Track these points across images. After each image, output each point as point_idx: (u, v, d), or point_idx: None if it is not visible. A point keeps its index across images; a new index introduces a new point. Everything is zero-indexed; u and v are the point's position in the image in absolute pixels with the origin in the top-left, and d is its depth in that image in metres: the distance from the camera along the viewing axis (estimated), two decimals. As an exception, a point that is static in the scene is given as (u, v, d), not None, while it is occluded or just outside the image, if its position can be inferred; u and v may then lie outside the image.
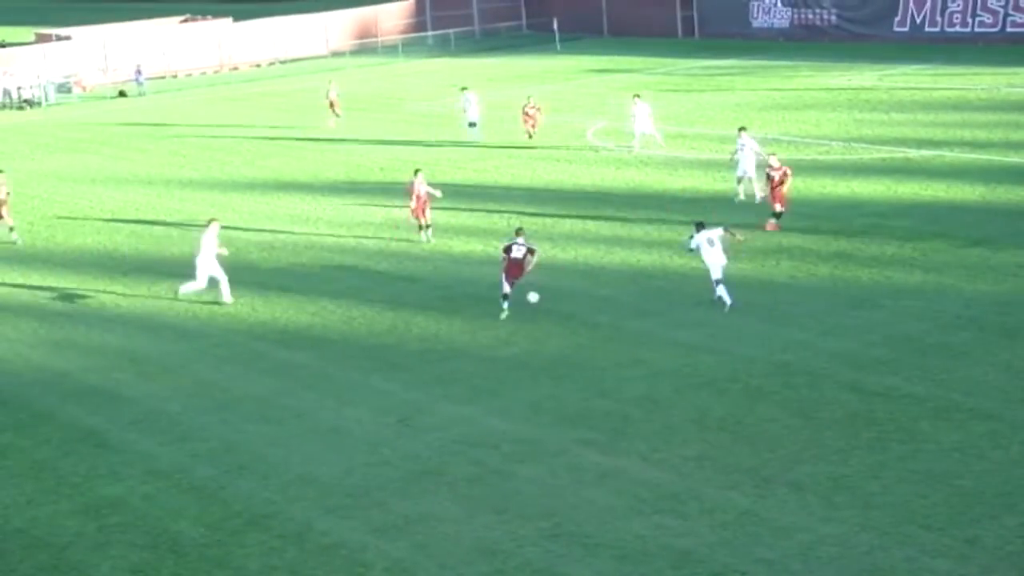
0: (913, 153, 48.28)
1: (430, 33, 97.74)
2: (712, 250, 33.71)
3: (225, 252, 37.12)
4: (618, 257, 38.68)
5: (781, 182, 39.71)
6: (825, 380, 28.26)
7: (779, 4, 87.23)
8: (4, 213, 45.16)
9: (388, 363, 31.42)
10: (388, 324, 34.29)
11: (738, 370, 29.20)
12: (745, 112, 60.17)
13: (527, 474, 25.05)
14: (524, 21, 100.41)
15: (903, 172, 45.77)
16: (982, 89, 60.76)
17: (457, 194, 46.44)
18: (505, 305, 33.94)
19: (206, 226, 37.35)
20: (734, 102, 63.53)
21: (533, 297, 34.11)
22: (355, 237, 43.15)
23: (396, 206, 45.35)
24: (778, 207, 39.95)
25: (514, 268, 34.21)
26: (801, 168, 47.04)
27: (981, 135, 49.32)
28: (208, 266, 36.67)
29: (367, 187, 50.24)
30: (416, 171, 42.05)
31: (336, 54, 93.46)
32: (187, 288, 36.83)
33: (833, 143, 51.33)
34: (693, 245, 34.35)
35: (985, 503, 22.50)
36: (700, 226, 34.33)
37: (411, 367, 31.12)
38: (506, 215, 43.93)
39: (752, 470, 24.35)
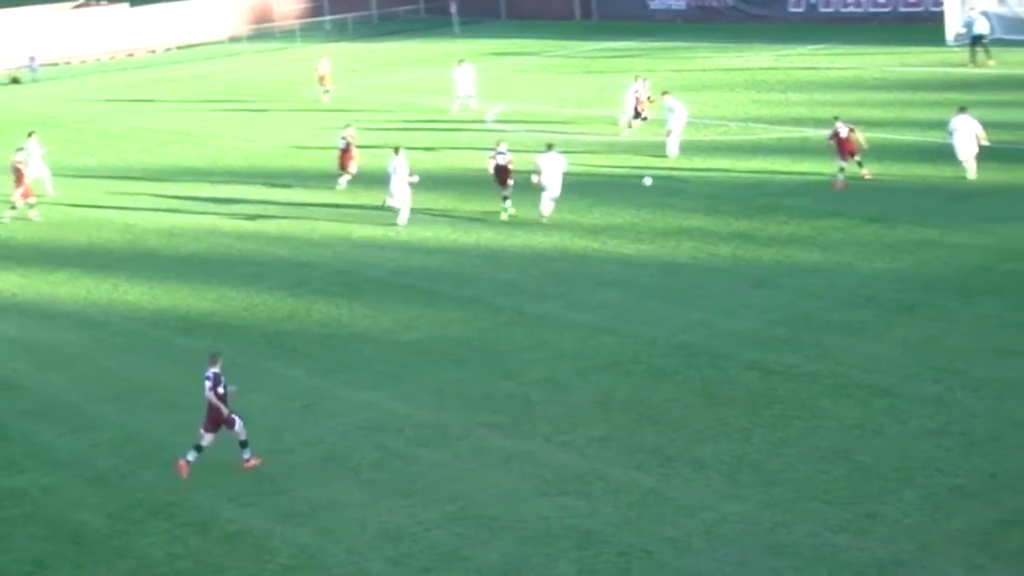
0: (810, 132, 48.70)
1: (328, 17, 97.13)
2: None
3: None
4: (519, 240, 38.75)
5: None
6: (727, 360, 28.50)
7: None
8: None
9: (290, 349, 31.32)
10: (289, 310, 34.16)
11: (640, 351, 29.37)
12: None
13: (432, 458, 25.08)
14: (422, 5, 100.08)
15: (801, 152, 46.18)
16: (876, 68, 61.39)
17: (356, 179, 46.26)
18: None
19: None
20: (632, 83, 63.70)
21: (647, 181, 40.55)
22: (255, 223, 42.90)
23: (295, 192, 45.21)
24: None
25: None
26: (700, 149, 47.37)
27: (876, 114, 49.84)
28: None
29: (267, 173, 49.94)
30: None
31: (234, 39, 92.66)
32: None
33: (731, 123, 51.68)
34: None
35: (885, 477, 22.81)
36: None
37: (313, 353, 31.03)
38: (407, 199, 43.82)
39: (656, 450, 24.52)
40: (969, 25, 60.47)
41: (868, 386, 26.53)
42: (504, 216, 40.71)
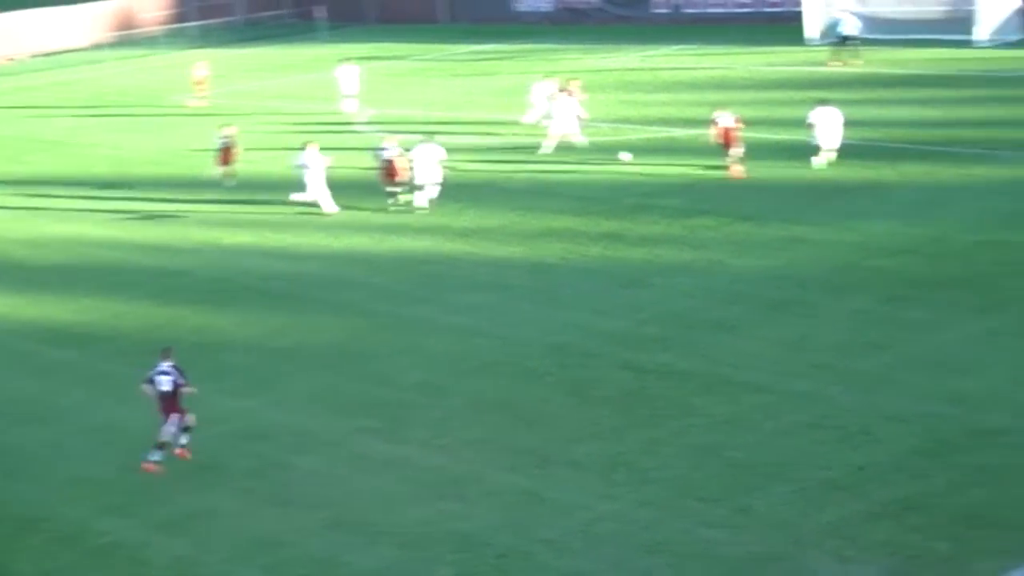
0: (679, 132, 49.17)
1: (192, 23, 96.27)
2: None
3: None
4: (391, 245, 38.71)
5: None
6: (599, 359, 28.68)
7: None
8: None
9: (161, 359, 30.98)
10: (159, 319, 33.83)
11: (514, 353, 29.47)
12: (513, 96, 60.53)
13: (307, 465, 24.99)
14: (288, 10, 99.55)
15: (669, 151, 46.58)
16: (743, 68, 62.10)
17: (226, 186, 45.95)
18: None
19: None
20: (501, 86, 63.89)
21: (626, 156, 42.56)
22: (123, 232, 42.44)
23: (163, 199, 44.86)
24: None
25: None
26: (570, 150, 47.57)
27: (745, 113, 50.07)
28: None
29: (134, 181, 49.39)
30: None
31: (96, 47, 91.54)
32: None
33: (600, 124, 51.94)
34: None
35: (757, 473, 23.10)
36: None
37: (185, 361, 30.68)
38: (276, 205, 43.60)
39: (531, 451, 24.63)
40: (835, 25, 61.36)
41: (740, 383, 26.84)
42: (399, 203, 41.76)
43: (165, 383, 25.19)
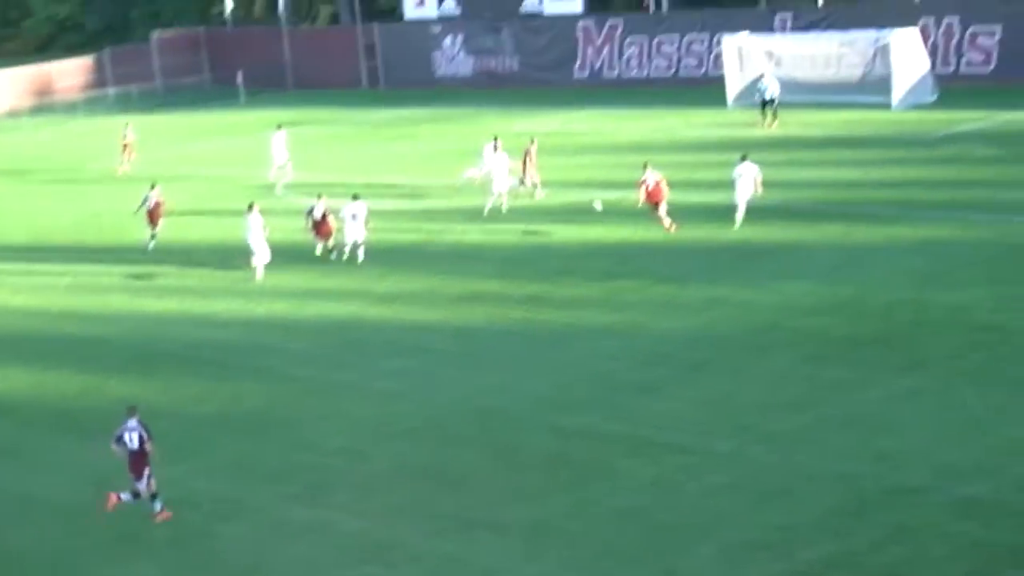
0: (602, 196, 49.43)
1: (111, 89, 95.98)
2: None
3: None
4: (312, 310, 38.65)
5: None
6: (523, 423, 28.72)
7: (462, 53, 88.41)
8: None
9: (82, 427, 30.74)
10: (80, 387, 33.58)
11: (438, 417, 29.47)
12: (434, 160, 60.79)
13: (230, 533, 24.85)
14: (208, 75, 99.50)
15: (591, 215, 46.75)
16: (662, 132, 62.59)
17: (151, 252, 45.79)
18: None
19: None
20: (422, 150, 64.13)
21: (598, 205, 43.92)
22: (42, 300, 42.14)
23: (83, 266, 44.60)
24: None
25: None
26: (494, 215, 47.73)
27: (664, 176, 50.57)
28: None
29: (54, 248, 49.09)
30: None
31: (13, 114, 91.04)
32: None
33: (521, 188, 52.13)
34: None
35: (681, 534, 23.19)
36: None
37: (108, 430, 30.44)
38: (197, 270, 43.49)
39: (455, 515, 24.60)
40: (762, 90, 61.91)
41: (663, 444, 26.95)
42: (328, 253, 43.09)
43: (134, 440, 25.44)
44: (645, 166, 43.69)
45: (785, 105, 61.79)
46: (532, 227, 45.78)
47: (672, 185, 45.68)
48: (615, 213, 46.51)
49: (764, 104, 61.48)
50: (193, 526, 25.16)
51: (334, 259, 42.80)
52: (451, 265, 41.90)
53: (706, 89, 71.67)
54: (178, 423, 30.40)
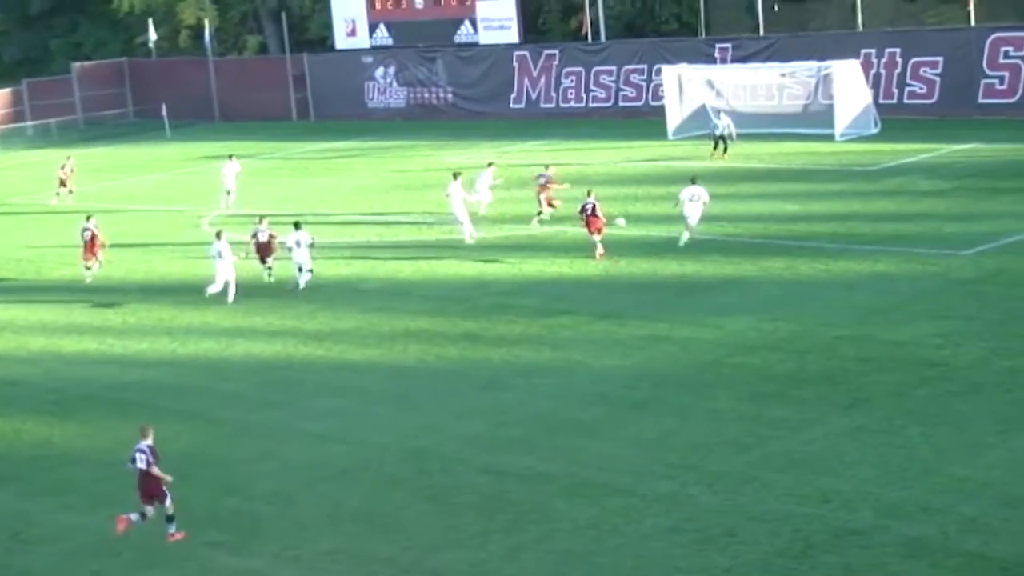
0: (536, 230, 49.54)
1: (30, 123, 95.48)
2: None
3: None
4: (240, 349, 38.47)
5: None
6: (459, 464, 28.64)
7: (395, 84, 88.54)
8: None
9: (-4, 474, 30.44)
10: (-4, 431, 33.25)
11: (370, 459, 29.34)
12: (366, 194, 60.78)
13: (154, 581, 24.61)
14: (131, 108, 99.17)
15: (528, 249, 46.88)
16: (600, 164, 62.81)
17: (68, 290, 45.48)
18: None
19: None
20: (353, 184, 64.09)
21: (621, 222, 44.12)
22: (-43, 341, 41.76)
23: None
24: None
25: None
26: (426, 249, 47.77)
27: (602, 209, 50.68)
28: None
29: (-32, 287, 48.68)
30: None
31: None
32: None
33: (456, 223, 52.14)
34: None
35: (622, 578, 23.15)
36: None
37: (23, 476, 30.22)
38: (120, 309, 43.22)
39: (389, 560, 24.47)
40: (718, 127, 62.04)
41: (602, 485, 26.93)
42: (267, 278, 44.59)
43: (141, 461, 25.79)
44: (589, 193, 44.50)
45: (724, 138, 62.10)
46: (467, 262, 45.78)
47: (609, 218, 45.80)
48: (551, 247, 46.61)
49: (719, 139, 61.45)
50: (114, 575, 24.90)
51: (280, 286, 42.30)
52: (384, 301, 41.83)
53: (647, 120, 72.06)
54: (99, 469, 30.09)
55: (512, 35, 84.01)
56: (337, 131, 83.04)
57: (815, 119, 64.38)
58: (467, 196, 50.00)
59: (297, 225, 44.39)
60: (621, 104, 78.76)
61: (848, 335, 34.72)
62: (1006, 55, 66.55)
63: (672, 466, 27.55)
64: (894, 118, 65.19)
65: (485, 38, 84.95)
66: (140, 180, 70.63)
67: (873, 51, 69.42)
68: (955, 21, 72.38)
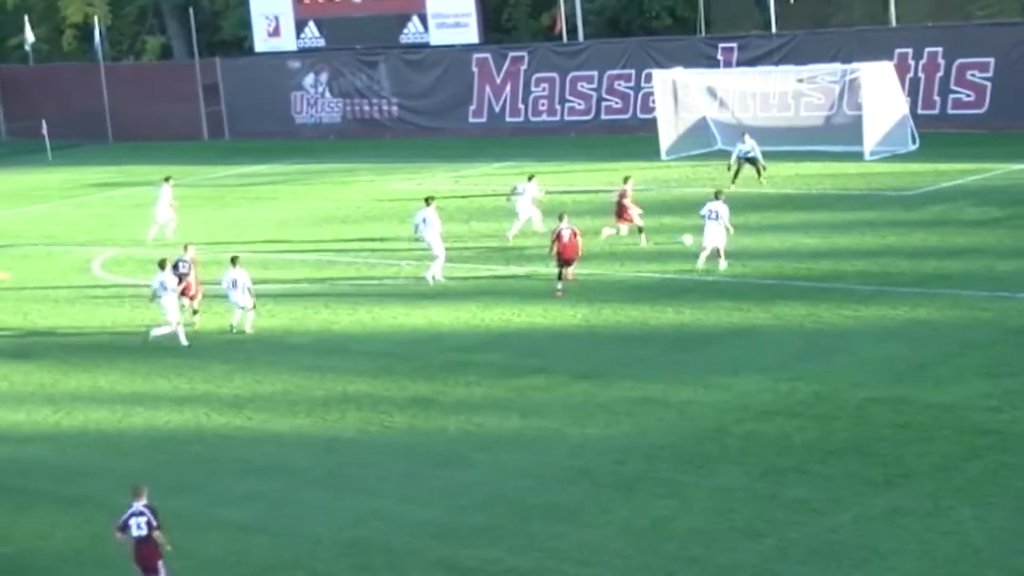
0: (502, 271, 49.59)
1: None
2: None
3: None
4: (140, 419, 38.37)
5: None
6: (409, 558, 28.58)
7: (328, 95, 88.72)
8: None
9: None
10: None
11: (300, 553, 29.27)
12: (294, 228, 60.80)
13: None
14: (2, 125, 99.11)
15: (491, 295, 46.91)
16: (578, 190, 62.89)
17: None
18: None
19: None
20: (279, 217, 64.13)
21: (688, 240, 47.71)
22: None
23: None
24: None
25: None
26: (366, 295, 47.77)
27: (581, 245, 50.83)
28: None
29: None
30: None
31: None
32: None
33: (404, 263, 52.24)
34: None
35: None
36: None
37: None
38: (-8, 372, 43.19)
39: None
40: (743, 151, 61.94)
41: (586, 583, 26.95)
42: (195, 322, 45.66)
43: (141, 527, 26.27)
44: (561, 217, 45.16)
45: (726, 155, 62.31)
46: (416, 310, 45.80)
47: (591, 258, 46.00)
48: (519, 291, 46.67)
49: (750, 161, 60.66)
50: None
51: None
52: (316, 360, 41.78)
53: (634, 136, 72.33)
54: (-39, 569, 30.00)
55: (470, 34, 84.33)
56: (258, 152, 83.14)
57: (840, 134, 64.73)
58: (520, 218, 53.86)
59: (234, 261, 45.20)
60: (604, 117, 79.07)
61: (882, 397, 34.82)
62: (1070, 55, 67.11)
63: (670, 558, 27.55)
64: (936, 132, 65.62)
65: (437, 38, 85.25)
66: (15, 213, 70.50)
67: (910, 51, 69.87)
68: (1009, 14, 72.97)
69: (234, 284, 44.56)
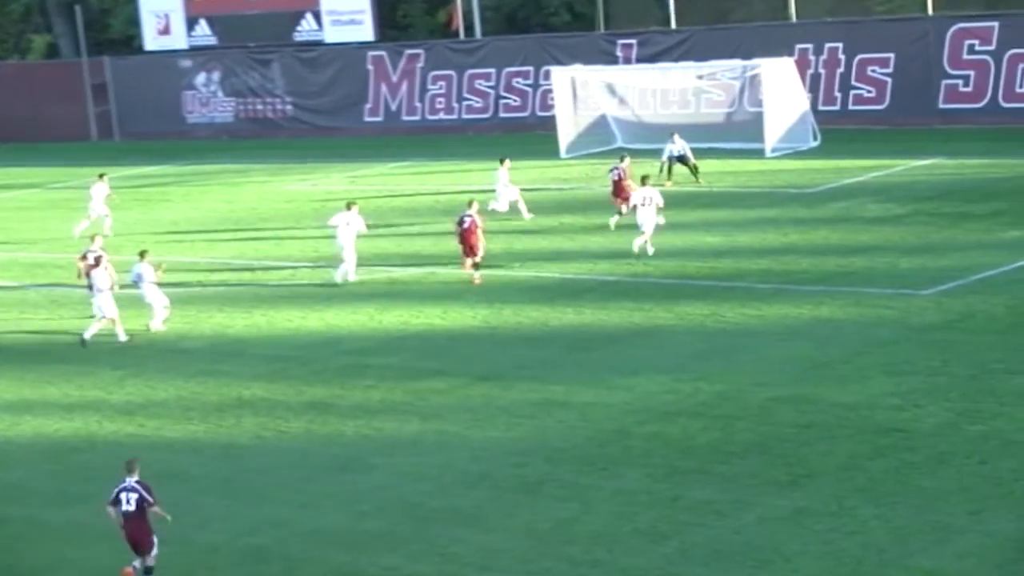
0: (399, 272, 49.55)
1: None
2: None
3: None
4: (28, 427, 38.10)
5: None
6: (308, 566, 28.53)
7: (220, 94, 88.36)
8: None
9: None
10: None
11: (196, 563, 29.14)
12: (186, 230, 60.52)
13: None
14: None
15: (387, 296, 46.86)
16: (476, 190, 62.87)
17: None
18: None
19: None
20: (169, 218, 63.86)
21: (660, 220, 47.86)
22: None
23: None
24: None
25: None
26: (261, 299, 47.64)
27: (497, 246, 50.75)
28: None
29: None
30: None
31: None
32: None
33: (299, 266, 52.11)
34: None
35: None
36: None
37: None
38: None
39: None
40: (672, 153, 62.09)
41: (480, 588, 27.00)
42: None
43: (131, 502, 26.51)
44: (470, 204, 45.72)
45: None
46: (312, 313, 45.71)
47: (492, 257, 46.03)
48: (418, 293, 46.66)
49: (678, 161, 60.64)
50: None
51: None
52: (209, 364, 41.61)
53: (532, 134, 72.39)
54: None
55: (366, 31, 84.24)
56: (149, 153, 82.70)
57: (740, 131, 65.05)
58: (494, 205, 54.39)
59: (142, 255, 45.67)
60: (502, 115, 79.15)
61: (785, 396, 35.01)
62: (971, 50, 67.60)
63: (573, 562, 27.61)
64: (837, 128, 66.01)
65: (332, 35, 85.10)
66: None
67: (810, 47, 70.29)
68: (909, 9, 73.46)
69: (139, 278, 45.18)
